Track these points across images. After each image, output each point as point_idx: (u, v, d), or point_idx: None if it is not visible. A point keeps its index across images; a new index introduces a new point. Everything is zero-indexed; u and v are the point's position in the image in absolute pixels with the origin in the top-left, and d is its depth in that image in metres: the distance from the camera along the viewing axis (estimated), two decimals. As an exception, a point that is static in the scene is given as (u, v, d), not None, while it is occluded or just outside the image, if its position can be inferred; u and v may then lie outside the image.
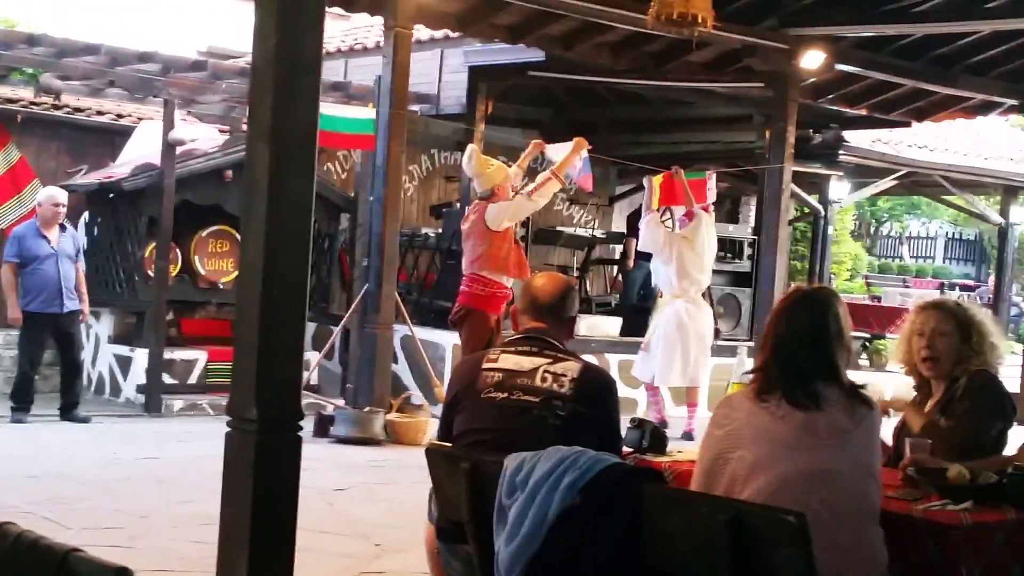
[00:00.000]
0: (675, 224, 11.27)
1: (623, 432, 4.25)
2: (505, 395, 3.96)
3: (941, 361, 4.49)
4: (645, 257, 11.82)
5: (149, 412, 10.74)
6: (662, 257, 10.70)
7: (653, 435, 4.41)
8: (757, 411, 3.53)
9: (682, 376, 10.60)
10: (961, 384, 4.42)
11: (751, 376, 3.68)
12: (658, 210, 11.14)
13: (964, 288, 25.58)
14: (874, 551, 3.45)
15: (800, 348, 3.58)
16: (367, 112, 10.54)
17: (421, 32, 12.45)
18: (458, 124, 13.85)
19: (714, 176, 11.68)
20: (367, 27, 15.42)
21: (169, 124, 10.92)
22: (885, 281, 26.17)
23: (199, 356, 11.41)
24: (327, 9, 7.30)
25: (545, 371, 3.97)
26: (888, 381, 9.52)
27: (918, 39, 12.13)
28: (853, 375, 3.73)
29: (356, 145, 10.99)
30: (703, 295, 10.91)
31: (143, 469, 8.28)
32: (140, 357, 11.13)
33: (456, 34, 12.38)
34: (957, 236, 35.48)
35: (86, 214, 12.11)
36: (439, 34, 13.17)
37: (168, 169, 10.86)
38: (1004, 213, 19.14)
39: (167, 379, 11.06)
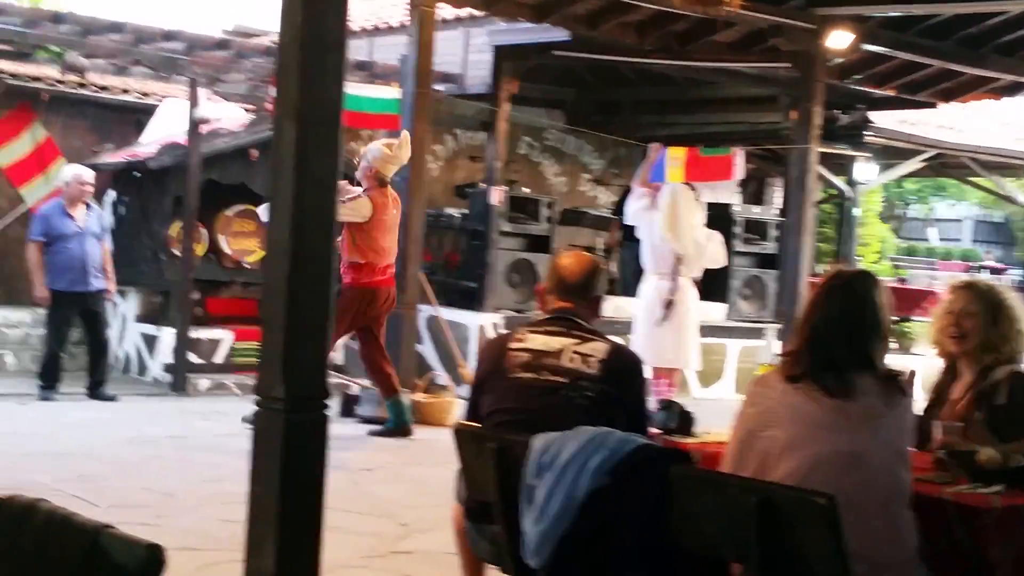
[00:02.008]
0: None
1: (651, 413, 4.24)
2: (533, 375, 3.95)
3: (967, 339, 4.51)
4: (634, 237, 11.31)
5: (175, 391, 10.79)
6: (640, 233, 10.25)
7: (681, 416, 4.40)
8: (791, 391, 3.50)
9: (659, 357, 9.85)
10: (999, 381, 4.39)
11: (782, 359, 3.66)
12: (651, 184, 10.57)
13: (992, 271, 25.46)
14: (905, 534, 3.43)
15: (835, 338, 3.54)
16: (392, 92, 10.51)
17: (446, 11, 12.41)
18: (483, 104, 13.81)
19: (742, 153, 11.49)
20: (392, 5, 15.40)
21: (194, 103, 10.92)
22: (912, 264, 26.07)
23: (225, 336, 11.44)
24: (353, -12, 7.27)
25: (573, 351, 3.97)
26: (916, 364, 9.45)
27: (946, 19, 12.02)
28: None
29: (381, 125, 10.96)
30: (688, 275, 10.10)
31: (169, 448, 8.31)
32: (166, 336, 11.18)
33: (481, 13, 12.34)
34: (985, 218, 35.30)
35: (112, 193, 12.15)
36: (464, 13, 13.12)
37: (193, 148, 10.87)
38: (1032, 195, 19.04)
39: (193, 358, 11.09)
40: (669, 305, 9.93)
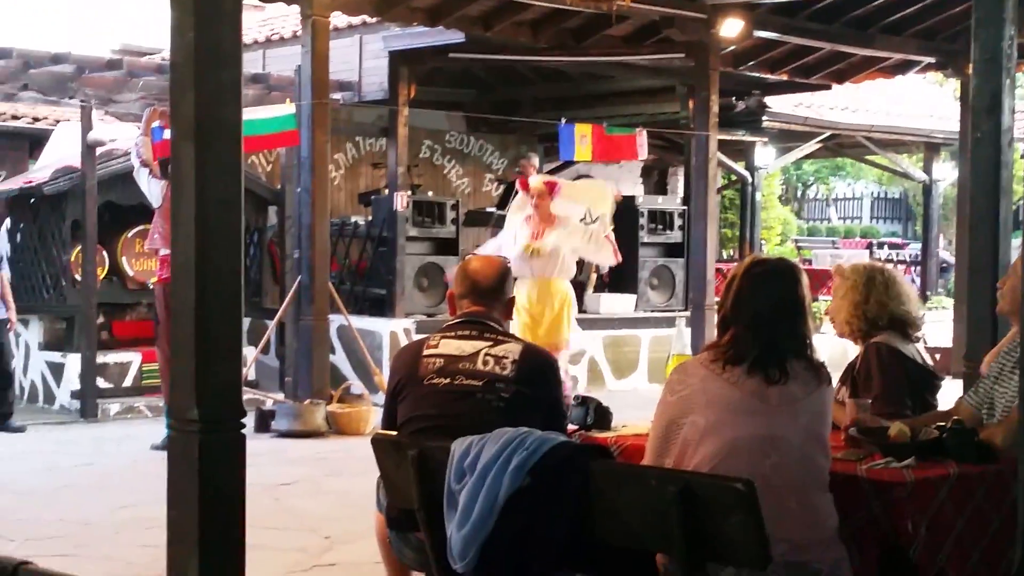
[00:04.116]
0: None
1: (567, 410, 4.26)
2: (448, 380, 3.96)
3: (837, 322, 4.67)
4: None
5: (85, 418, 10.60)
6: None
7: (597, 411, 4.42)
8: (711, 377, 3.55)
9: None
10: (858, 357, 4.55)
11: (715, 347, 3.66)
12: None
13: (892, 247, 25.91)
14: (822, 515, 3.49)
15: (779, 323, 3.58)
16: (286, 108, 10.33)
17: (338, 19, 12.35)
18: (381, 110, 13.77)
19: (644, 133, 11.60)
20: (283, 16, 15.28)
21: (87, 125, 10.75)
22: (815, 244, 26.45)
23: (133, 358, 11.28)
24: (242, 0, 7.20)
25: (486, 354, 3.98)
26: (822, 343, 9.58)
27: (834, 2, 12.23)
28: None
29: (282, 143, 10.81)
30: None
31: (83, 476, 8.19)
32: (72, 362, 10.98)
33: (374, 19, 12.31)
34: (882, 195, 35.95)
35: (7, 220, 11.91)
36: (357, 20, 13.07)
37: (89, 171, 10.70)
38: (927, 170, 19.38)
39: (102, 383, 10.91)
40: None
